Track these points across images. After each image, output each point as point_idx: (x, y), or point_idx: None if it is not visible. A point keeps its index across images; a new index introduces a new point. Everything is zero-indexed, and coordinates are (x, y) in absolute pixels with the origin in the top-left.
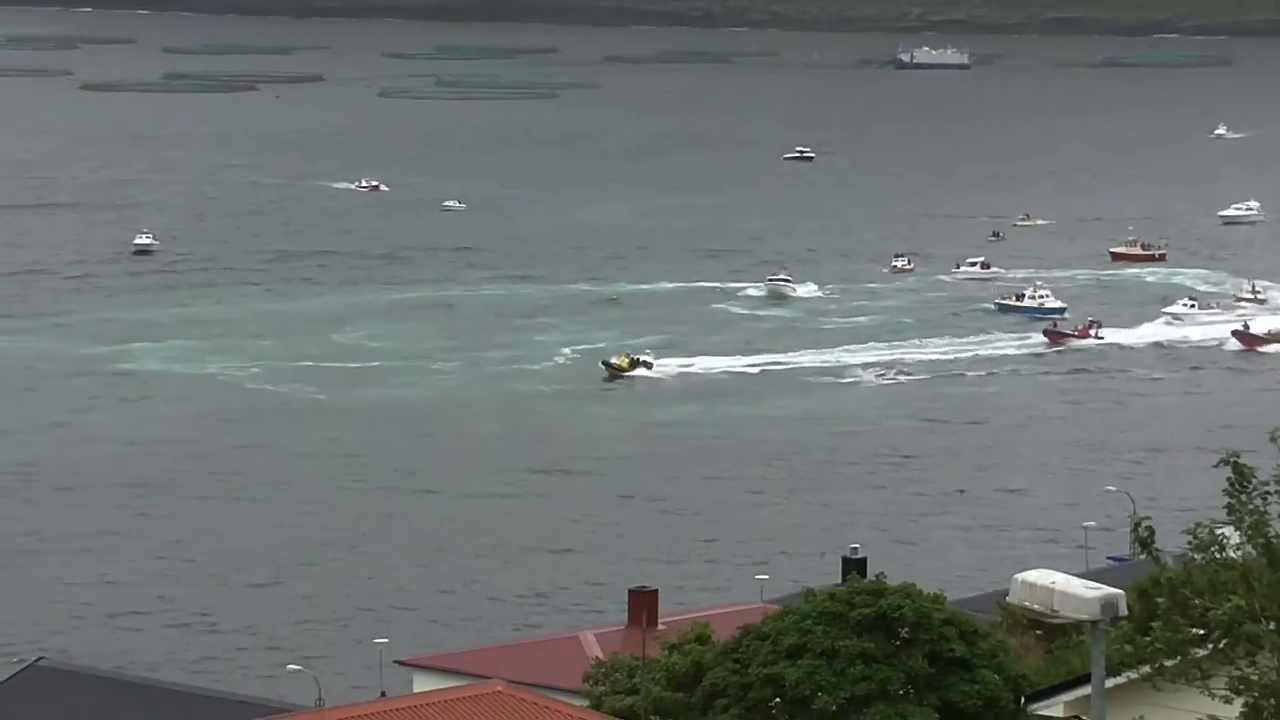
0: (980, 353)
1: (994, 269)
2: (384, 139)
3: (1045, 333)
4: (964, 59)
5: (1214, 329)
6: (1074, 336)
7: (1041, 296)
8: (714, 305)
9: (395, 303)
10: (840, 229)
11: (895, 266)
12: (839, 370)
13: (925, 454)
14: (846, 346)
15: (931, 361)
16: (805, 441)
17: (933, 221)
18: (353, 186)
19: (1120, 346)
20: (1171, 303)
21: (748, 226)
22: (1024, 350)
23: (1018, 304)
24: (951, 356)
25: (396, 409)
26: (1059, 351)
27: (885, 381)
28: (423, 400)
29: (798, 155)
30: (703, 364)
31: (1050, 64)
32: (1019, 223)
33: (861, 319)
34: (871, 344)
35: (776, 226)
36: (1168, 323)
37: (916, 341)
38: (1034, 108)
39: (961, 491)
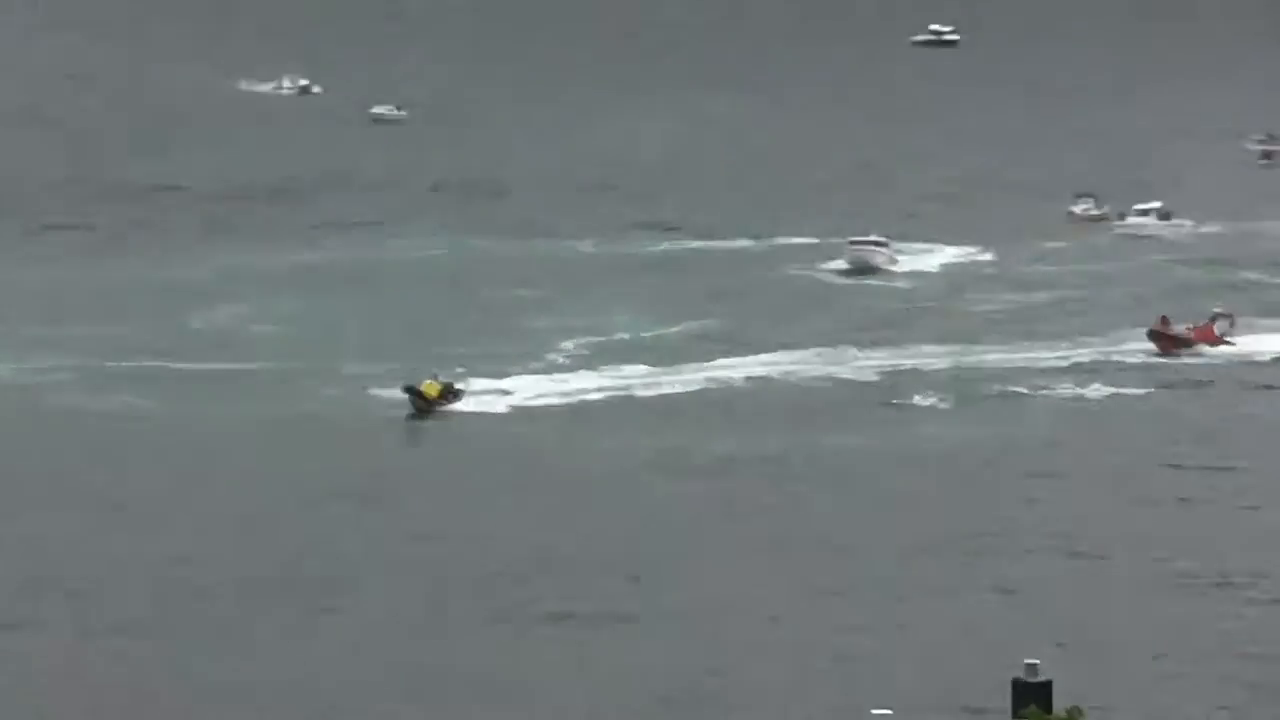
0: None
1: (1175, 220)
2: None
3: (1150, 334)
4: None
5: None
6: (1190, 338)
7: None
8: (795, 272)
9: (294, 267)
10: (995, 154)
11: (1073, 213)
12: (985, 380)
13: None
14: (998, 346)
15: (1131, 366)
16: (926, 489)
17: (1148, 144)
18: (269, 88)
19: None
20: None
21: (852, 152)
22: None
23: None
24: (1156, 359)
25: (289, 438)
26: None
27: (1054, 396)
28: (333, 426)
29: (933, 38)
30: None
31: None
32: (1254, 145)
33: (1017, 296)
34: (1028, 340)
35: (899, 151)
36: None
37: (1105, 334)
38: None
39: None
